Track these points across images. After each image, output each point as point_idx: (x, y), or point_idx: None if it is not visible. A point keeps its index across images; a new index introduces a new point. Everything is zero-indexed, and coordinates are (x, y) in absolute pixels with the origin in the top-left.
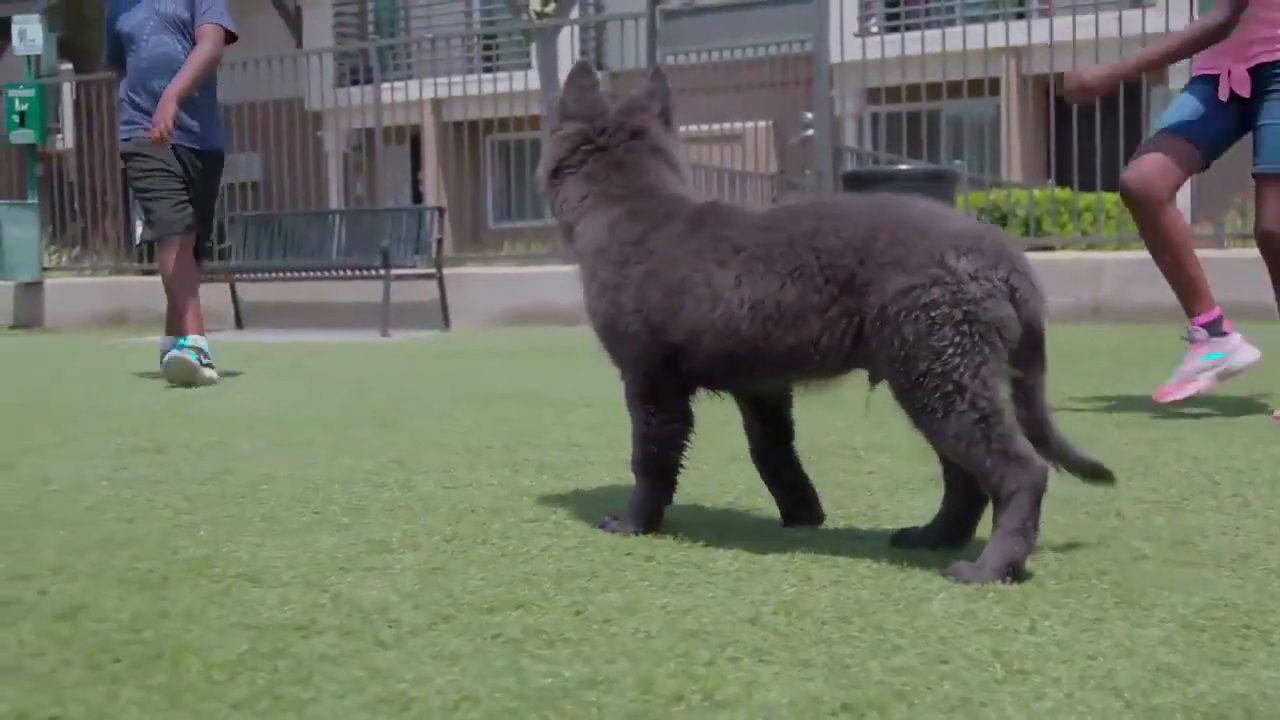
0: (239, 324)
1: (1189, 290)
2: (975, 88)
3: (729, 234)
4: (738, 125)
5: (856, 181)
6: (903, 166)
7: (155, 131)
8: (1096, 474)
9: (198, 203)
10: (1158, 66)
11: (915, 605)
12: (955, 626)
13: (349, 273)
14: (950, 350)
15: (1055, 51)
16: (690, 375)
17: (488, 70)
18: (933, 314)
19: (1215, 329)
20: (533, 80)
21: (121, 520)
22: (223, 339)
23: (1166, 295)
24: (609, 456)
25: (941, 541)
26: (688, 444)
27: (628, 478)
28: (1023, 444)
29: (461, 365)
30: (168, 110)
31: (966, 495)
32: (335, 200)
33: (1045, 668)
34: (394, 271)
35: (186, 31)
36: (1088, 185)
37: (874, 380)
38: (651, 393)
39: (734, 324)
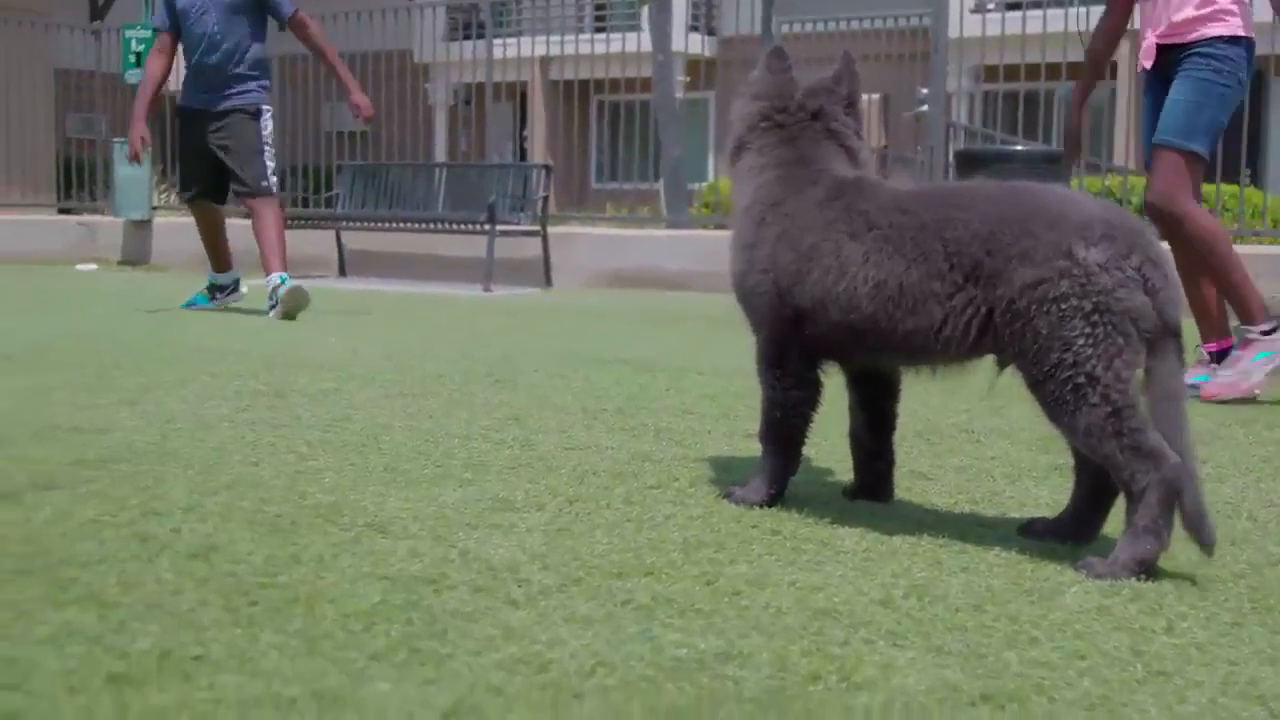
0: (342, 271)
1: (1205, 319)
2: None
3: (865, 208)
4: None
5: (970, 160)
6: (1018, 147)
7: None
8: (1194, 526)
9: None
10: (1098, 76)
11: (1049, 597)
12: (1090, 622)
13: (454, 226)
14: (1081, 342)
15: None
16: (814, 343)
17: (599, 30)
18: (1062, 306)
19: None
20: (643, 43)
21: (247, 463)
22: (326, 285)
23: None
24: (725, 426)
25: (1070, 535)
26: (814, 413)
27: (745, 448)
28: (1155, 439)
29: (568, 325)
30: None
31: (1096, 489)
32: (439, 154)
33: (1186, 670)
34: (499, 227)
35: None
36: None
37: (1001, 366)
38: (779, 358)
39: (856, 299)
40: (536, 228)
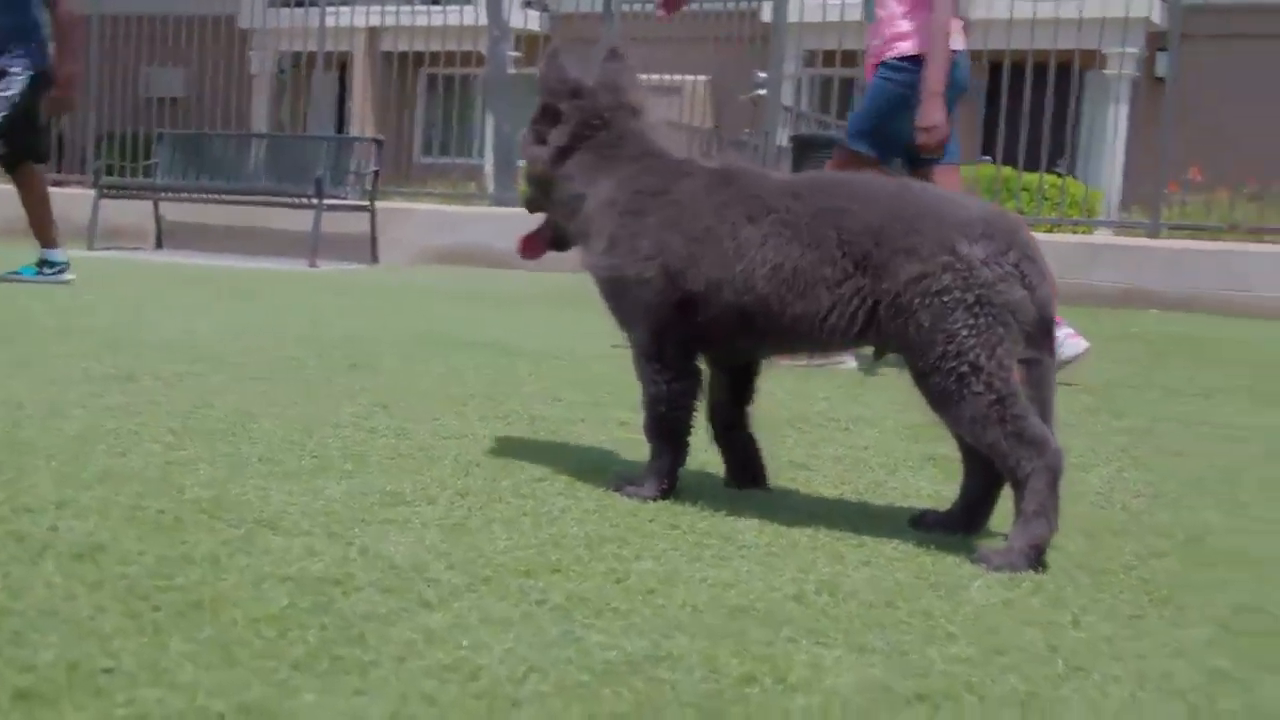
0: (159, 244)
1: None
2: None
3: (760, 194)
4: (677, 78)
5: (806, 146)
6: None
7: None
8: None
9: None
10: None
11: (955, 592)
12: (1000, 617)
13: (280, 199)
14: (965, 333)
15: (990, 28)
16: (699, 330)
17: (430, 2)
18: (945, 299)
19: None
20: (475, 17)
21: (114, 454)
22: (143, 257)
23: (1105, 279)
24: (597, 414)
25: (961, 528)
26: (697, 402)
27: (620, 437)
28: (1038, 426)
29: (409, 305)
30: None
31: (985, 481)
32: (260, 123)
33: (1100, 665)
34: (326, 201)
35: None
36: (1010, 164)
37: (878, 355)
38: (659, 351)
39: (752, 281)
40: (365, 203)
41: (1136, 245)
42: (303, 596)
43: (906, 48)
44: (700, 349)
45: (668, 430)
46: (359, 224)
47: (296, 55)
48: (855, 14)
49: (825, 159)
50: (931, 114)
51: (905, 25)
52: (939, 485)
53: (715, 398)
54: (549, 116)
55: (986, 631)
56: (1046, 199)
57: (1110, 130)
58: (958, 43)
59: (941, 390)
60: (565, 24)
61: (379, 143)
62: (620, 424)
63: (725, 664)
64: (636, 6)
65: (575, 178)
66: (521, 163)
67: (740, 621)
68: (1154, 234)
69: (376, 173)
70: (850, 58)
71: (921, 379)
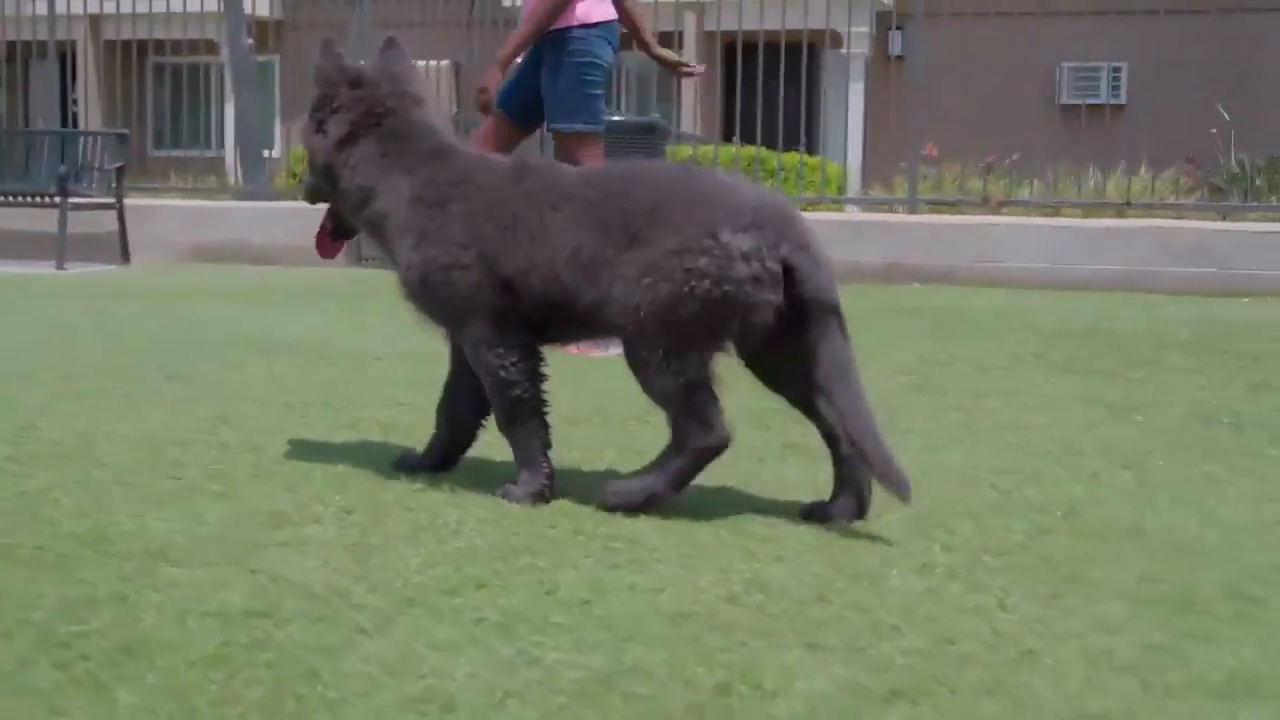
0: None
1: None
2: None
3: (560, 182)
4: (419, 63)
5: None
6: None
7: None
8: (893, 483)
9: None
10: (526, 44)
11: (877, 582)
12: (931, 605)
13: (17, 199)
14: (691, 320)
15: (736, 7)
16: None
17: None
18: (691, 281)
19: None
20: (201, 3)
21: None
22: None
23: (868, 254)
24: None
25: (855, 514)
26: (545, 377)
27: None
28: (716, 411)
29: (192, 306)
30: None
31: (853, 469)
32: None
33: (1047, 648)
34: (70, 200)
35: None
36: (750, 145)
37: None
38: (495, 335)
39: (555, 267)
40: (111, 200)
41: (896, 221)
42: (235, 632)
43: (566, 20)
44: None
45: (526, 412)
46: (105, 223)
47: (12, 45)
48: None
49: (621, 143)
50: (485, 78)
51: None
52: (807, 472)
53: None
54: (327, 106)
55: (926, 621)
56: (801, 178)
57: (848, 109)
58: (604, 13)
59: (642, 358)
60: (301, 9)
61: (122, 136)
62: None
63: (694, 673)
64: None
65: (360, 168)
66: (267, 153)
67: (686, 628)
68: (912, 209)
69: (122, 168)
70: (626, 40)
71: (629, 340)
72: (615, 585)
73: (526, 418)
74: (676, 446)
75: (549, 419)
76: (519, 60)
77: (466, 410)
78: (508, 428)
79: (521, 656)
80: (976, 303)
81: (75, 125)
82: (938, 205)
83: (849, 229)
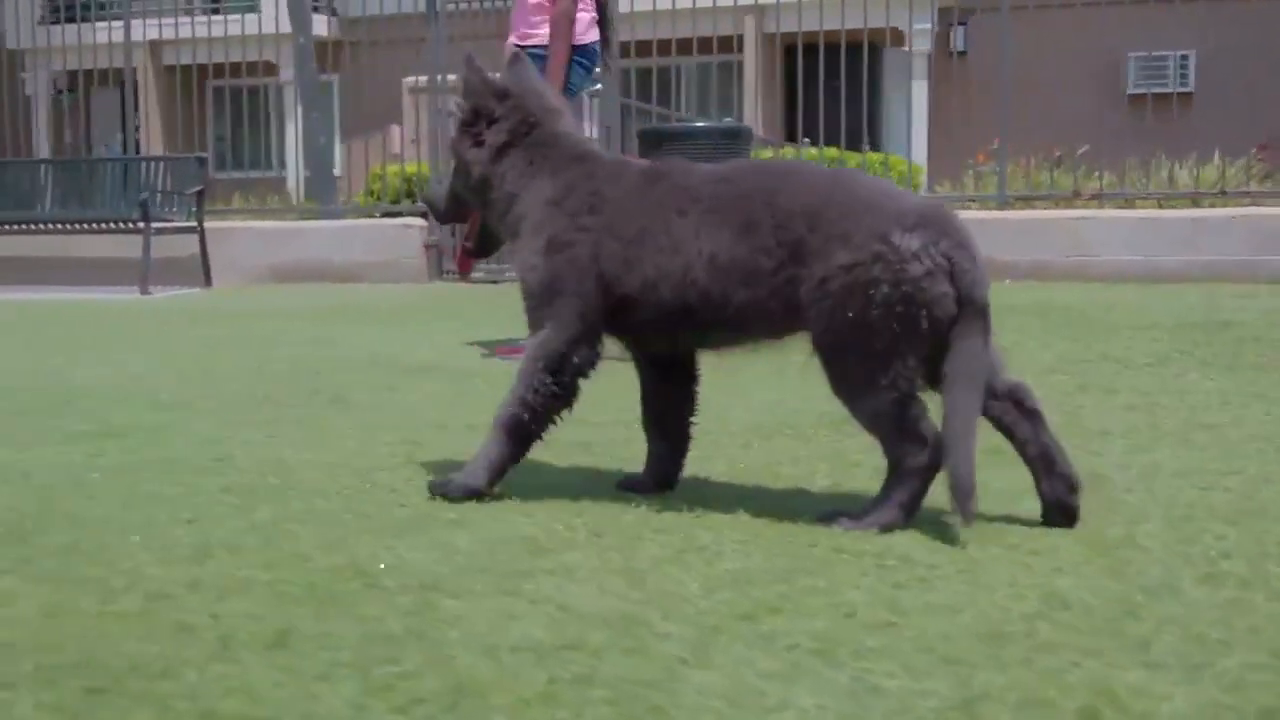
0: None
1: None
2: (707, 45)
3: (689, 184)
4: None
5: (655, 138)
6: (700, 124)
7: None
8: (960, 496)
9: None
10: (567, 65)
11: (1174, 594)
12: (1245, 616)
13: (103, 226)
14: (884, 331)
15: (796, 8)
16: (635, 328)
17: (214, 12)
18: (870, 291)
19: None
20: (259, 25)
21: (179, 521)
22: None
23: None
24: (625, 434)
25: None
26: (558, 421)
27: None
28: (929, 427)
29: (302, 328)
30: None
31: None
32: (42, 148)
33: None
34: (153, 225)
35: None
36: (831, 145)
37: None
38: (560, 365)
39: (692, 274)
40: (192, 224)
41: (986, 218)
42: (553, 668)
43: (544, 35)
44: (638, 345)
45: (519, 437)
46: (184, 246)
47: (73, 74)
48: (666, 2)
49: (681, 150)
50: None
51: (537, 16)
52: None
53: (646, 390)
54: (482, 118)
55: (1249, 633)
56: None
57: (913, 106)
58: (589, 36)
59: (849, 379)
60: (356, 28)
61: (202, 160)
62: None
63: (1048, 696)
64: (464, 5)
65: (509, 176)
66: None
67: (1010, 648)
68: (1003, 205)
69: (201, 192)
70: (666, 47)
71: (828, 363)
72: (911, 606)
73: (515, 441)
74: (898, 471)
75: (528, 453)
76: None
77: (673, 418)
78: (496, 427)
79: (859, 684)
80: (1078, 298)
81: (138, 151)
82: (1028, 200)
83: None
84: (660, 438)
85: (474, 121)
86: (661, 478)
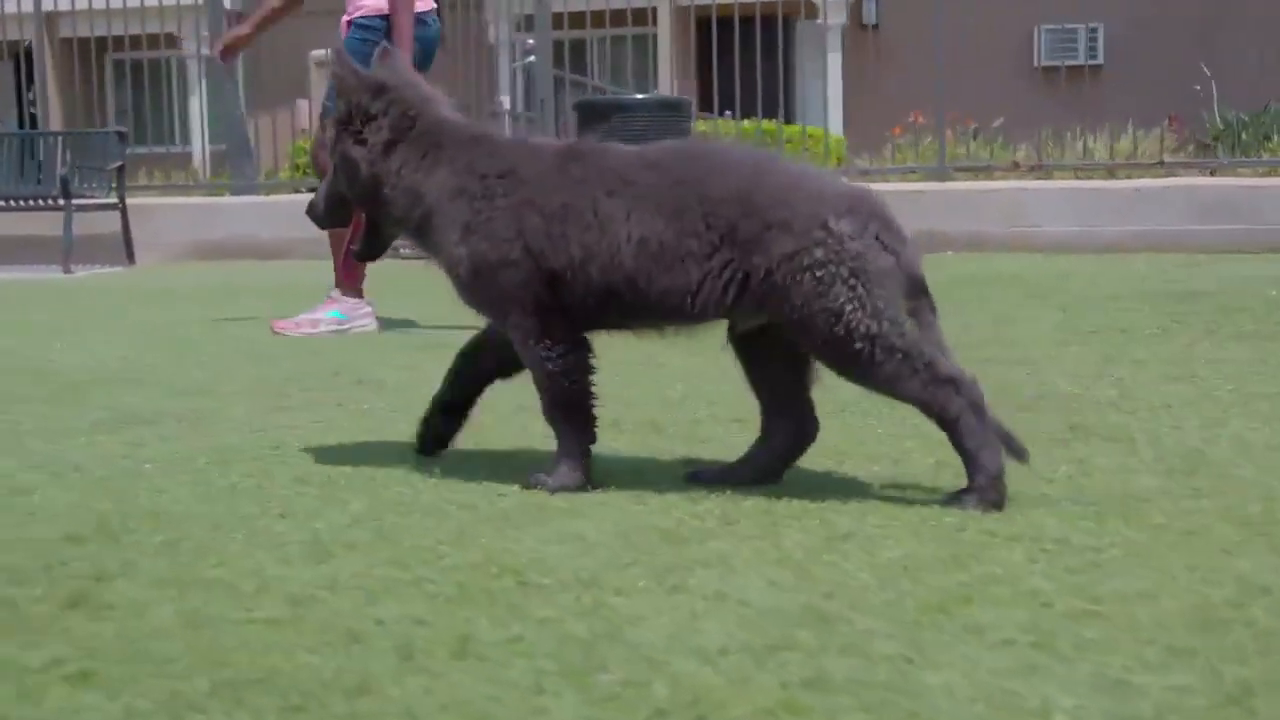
0: None
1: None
2: (623, 18)
3: (614, 166)
4: None
5: (591, 111)
6: (639, 96)
7: None
8: (1013, 448)
9: None
10: (271, 21)
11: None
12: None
13: (16, 203)
14: (849, 306)
15: None
16: (567, 309)
17: None
18: (819, 273)
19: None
20: None
21: (271, 515)
22: None
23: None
24: (674, 414)
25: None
26: (595, 370)
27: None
28: (948, 365)
29: (259, 306)
30: None
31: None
32: None
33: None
34: (75, 202)
35: None
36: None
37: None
38: (542, 327)
39: (618, 257)
40: (113, 200)
41: (926, 189)
42: (782, 671)
43: (371, 5)
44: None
45: (573, 404)
46: (106, 224)
47: None
48: None
49: (620, 123)
50: (229, 35)
51: None
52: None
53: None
54: (359, 115)
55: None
56: (807, 149)
57: (827, 79)
58: (424, 3)
59: (848, 360)
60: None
61: (122, 134)
62: (697, 421)
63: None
64: None
65: (404, 172)
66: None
67: (1221, 636)
68: (942, 177)
69: (122, 167)
70: (579, 20)
71: (822, 352)
72: (1103, 593)
73: (573, 411)
74: (945, 423)
75: (596, 414)
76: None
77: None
78: (551, 418)
79: (1103, 679)
80: (1035, 269)
81: (35, 126)
82: (967, 171)
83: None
84: (776, 414)
85: (351, 120)
86: (767, 464)
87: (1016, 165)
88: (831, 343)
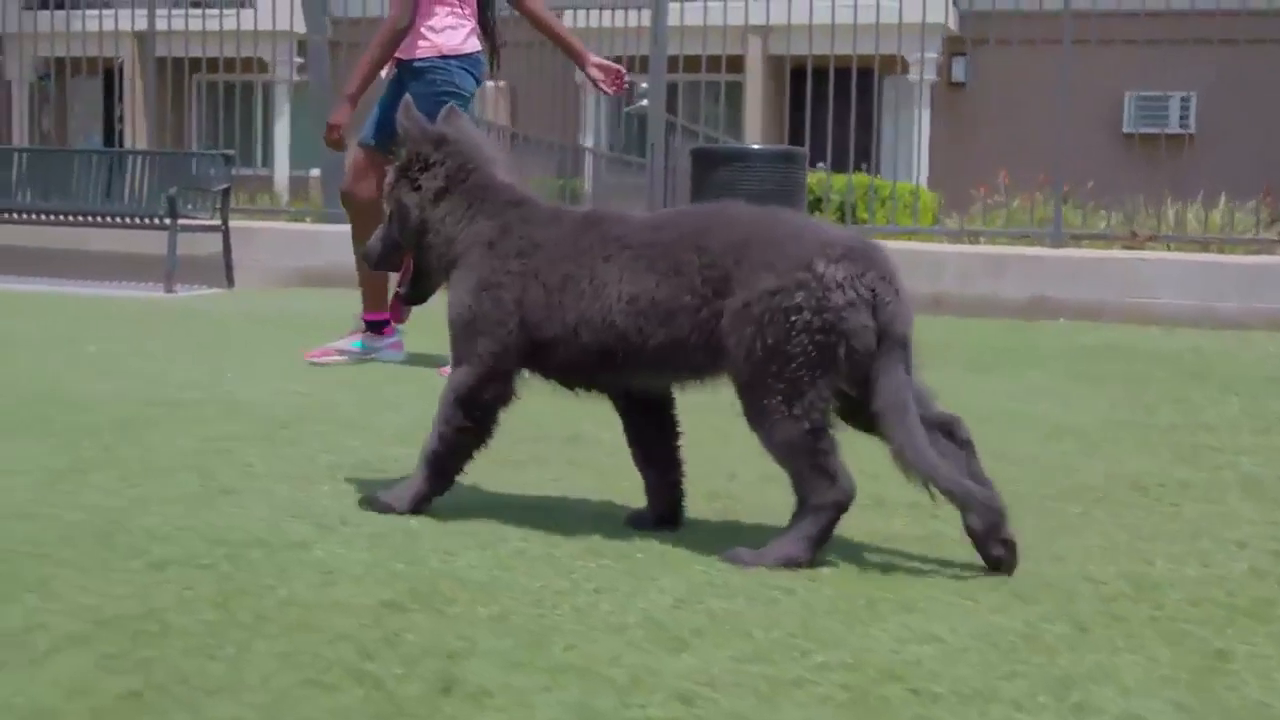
0: None
1: (368, 290)
2: (716, 64)
3: (619, 234)
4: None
5: (706, 159)
6: (755, 146)
7: None
8: (981, 510)
9: None
10: (372, 76)
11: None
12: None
13: (124, 221)
14: (801, 358)
15: (795, 33)
16: (558, 369)
17: (201, 5)
18: (792, 317)
19: (375, 328)
20: (246, 20)
21: (585, 590)
22: None
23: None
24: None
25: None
26: (476, 455)
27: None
28: (838, 463)
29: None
30: None
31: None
32: (18, 136)
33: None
34: (180, 222)
35: None
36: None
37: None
38: (472, 400)
39: (609, 317)
40: (216, 222)
41: (1041, 255)
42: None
43: (417, 49)
44: (560, 384)
45: (437, 470)
46: (208, 245)
47: (59, 61)
48: (718, 18)
49: (734, 171)
50: (335, 115)
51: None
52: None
53: (629, 431)
54: (418, 163)
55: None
56: (905, 206)
57: (918, 135)
58: (470, 45)
59: (762, 407)
60: (348, 29)
61: (228, 157)
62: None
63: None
64: None
65: (448, 220)
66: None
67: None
68: (1058, 243)
69: (228, 189)
70: (716, 63)
71: (745, 390)
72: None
73: (436, 471)
74: (805, 506)
75: (452, 482)
76: (384, 92)
77: (658, 446)
78: (422, 459)
79: None
80: (1167, 344)
81: (120, 144)
82: (1080, 239)
83: (991, 262)
84: (647, 465)
85: (410, 166)
86: (662, 511)
87: (1134, 235)
88: (762, 385)
